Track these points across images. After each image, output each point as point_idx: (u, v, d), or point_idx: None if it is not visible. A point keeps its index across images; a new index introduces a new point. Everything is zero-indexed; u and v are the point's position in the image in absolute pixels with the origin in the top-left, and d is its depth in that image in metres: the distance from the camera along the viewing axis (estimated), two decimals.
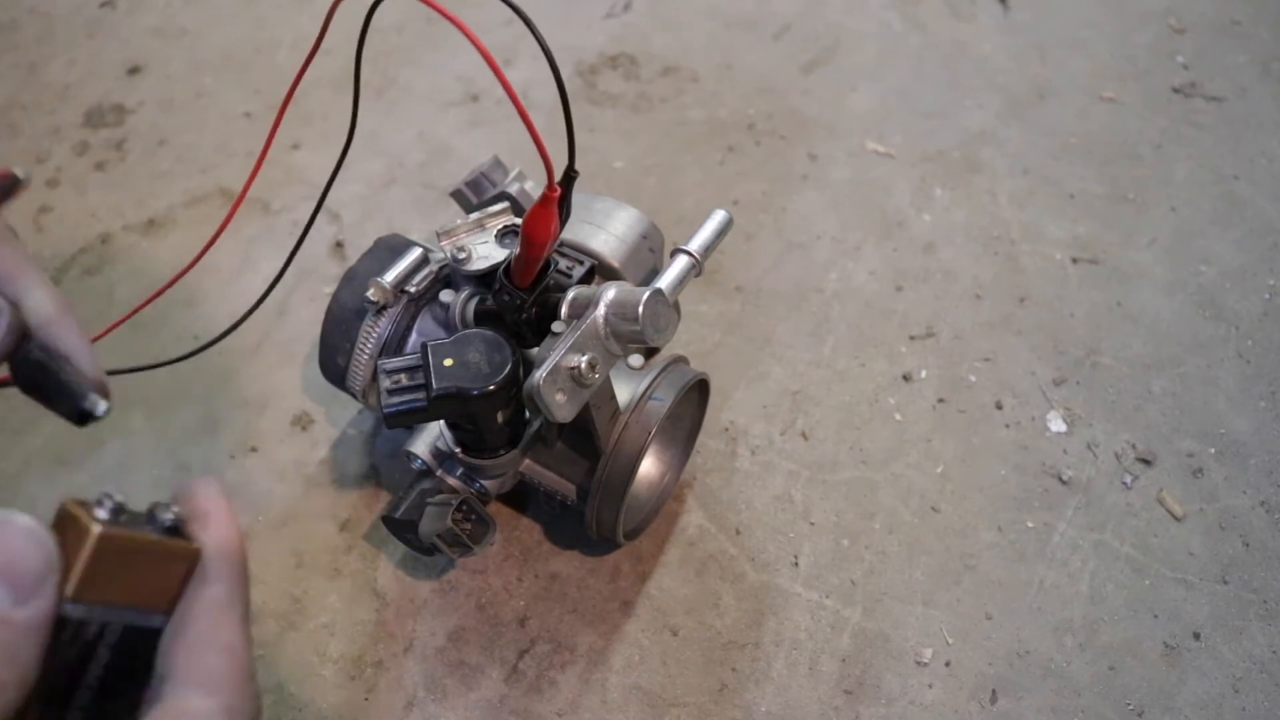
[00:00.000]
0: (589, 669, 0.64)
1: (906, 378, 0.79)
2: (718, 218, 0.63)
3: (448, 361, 0.52)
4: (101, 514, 0.29)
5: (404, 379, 0.53)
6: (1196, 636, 0.65)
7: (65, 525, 0.29)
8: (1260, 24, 1.09)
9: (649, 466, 0.69)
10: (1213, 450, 0.75)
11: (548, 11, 1.07)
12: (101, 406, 0.36)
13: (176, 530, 0.32)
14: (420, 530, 0.58)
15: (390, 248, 0.64)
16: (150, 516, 0.31)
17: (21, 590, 0.26)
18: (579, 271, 0.59)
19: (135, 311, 0.59)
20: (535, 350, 0.57)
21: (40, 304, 0.36)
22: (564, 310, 0.54)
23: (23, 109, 1.00)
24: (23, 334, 0.35)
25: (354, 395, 0.65)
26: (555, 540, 0.69)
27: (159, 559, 0.31)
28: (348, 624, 0.66)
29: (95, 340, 0.39)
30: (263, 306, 0.62)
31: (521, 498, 0.71)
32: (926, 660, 0.64)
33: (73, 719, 0.30)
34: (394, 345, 0.62)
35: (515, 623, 0.66)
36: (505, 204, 0.61)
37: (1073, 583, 0.68)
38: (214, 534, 0.31)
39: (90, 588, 0.29)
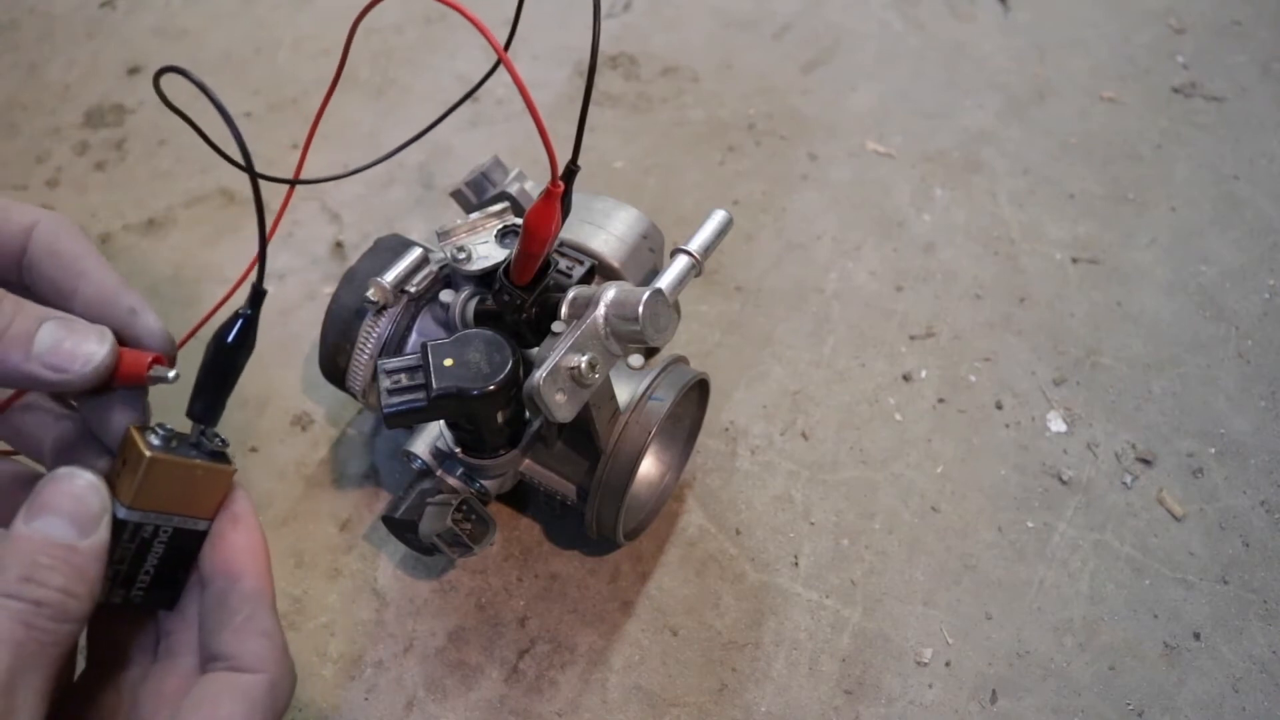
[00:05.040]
0: (589, 669, 0.64)
1: (906, 378, 0.79)
2: (718, 218, 0.63)
3: (448, 361, 0.52)
4: (155, 440, 0.39)
5: (404, 379, 0.53)
6: (1196, 636, 0.65)
7: (129, 447, 0.39)
8: (1260, 24, 1.09)
9: (649, 466, 0.69)
10: (1213, 450, 0.75)
11: (547, 11, 1.07)
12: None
13: (218, 454, 0.42)
14: (420, 530, 0.58)
15: (390, 248, 0.64)
16: (197, 442, 0.42)
17: (86, 527, 0.36)
18: (579, 271, 0.59)
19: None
20: (535, 350, 0.57)
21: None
22: (564, 310, 0.54)
23: (23, 109, 1.00)
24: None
25: (354, 395, 0.65)
26: (555, 540, 0.69)
27: (200, 477, 0.41)
28: (348, 624, 0.66)
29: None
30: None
31: (521, 498, 0.71)
32: (926, 660, 0.64)
33: (135, 596, 0.41)
34: (394, 345, 0.62)
35: (515, 623, 0.66)
36: (505, 204, 0.61)
37: (1073, 583, 0.68)
38: (244, 546, 0.42)
39: (143, 498, 0.39)
